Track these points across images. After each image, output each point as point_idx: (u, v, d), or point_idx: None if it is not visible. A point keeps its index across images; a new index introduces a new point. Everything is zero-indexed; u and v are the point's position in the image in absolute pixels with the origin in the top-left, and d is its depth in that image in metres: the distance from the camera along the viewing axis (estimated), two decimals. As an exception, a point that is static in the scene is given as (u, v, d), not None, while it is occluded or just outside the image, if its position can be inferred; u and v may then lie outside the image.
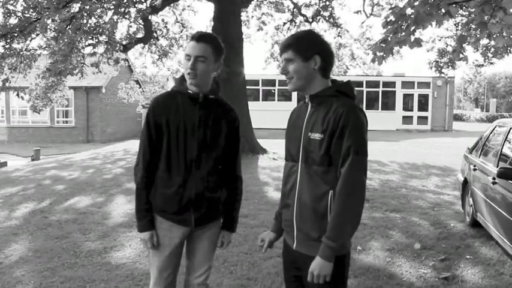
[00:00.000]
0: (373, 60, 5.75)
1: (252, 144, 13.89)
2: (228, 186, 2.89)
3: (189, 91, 2.69)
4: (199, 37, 2.63)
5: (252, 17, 19.34)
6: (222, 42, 2.75)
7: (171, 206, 2.71)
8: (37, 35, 12.55)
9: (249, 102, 14.71)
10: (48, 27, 11.90)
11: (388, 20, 5.45)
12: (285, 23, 19.35)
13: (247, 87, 15.32)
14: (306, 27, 19.05)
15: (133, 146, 18.10)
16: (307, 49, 2.30)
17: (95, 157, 14.61)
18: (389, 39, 5.43)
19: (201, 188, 2.70)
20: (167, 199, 2.71)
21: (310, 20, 18.32)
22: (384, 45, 5.48)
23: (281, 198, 2.58)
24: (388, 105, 31.17)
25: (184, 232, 2.79)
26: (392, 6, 9.52)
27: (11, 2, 11.69)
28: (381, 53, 5.58)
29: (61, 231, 5.95)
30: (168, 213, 2.74)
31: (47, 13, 10.55)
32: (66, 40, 11.02)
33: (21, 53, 13.00)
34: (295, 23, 19.18)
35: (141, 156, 2.76)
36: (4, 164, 16.06)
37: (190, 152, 2.68)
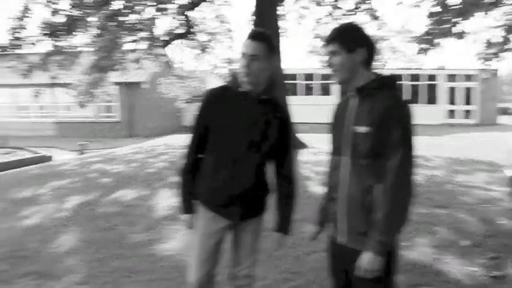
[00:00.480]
0: (418, 53, 5.64)
1: (292, 139, 13.82)
2: (280, 187, 2.89)
3: (241, 89, 2.73)
4: (253, 35, 2.67)
5: (291, 10, 19.22)
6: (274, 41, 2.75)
7: (218, 199, 2.78)
8: (82, 32, 12.85)
9: (287, 97, 14.66)
10: (91, 24, 12.17)
11: (433, 11, 5.33)
12: (324, 17, 19.16)
13: (286, 81, 15.24)
14: (345, 20, 18.83)
15: (174, 140, 18.31)
16: (351, 41, 2.31)
17: (138, 151, 14.87)
18: (433, 31, 5.31)
19: (248, 184, 2.75)
20: (214, 192, 2.78)
21: (350, 13, 18.07)
22: (428, 37, 5.37)
23: (326, 191, 2.57)
24: (431, 99, 30.46)
25: (227, 225, 2.83)
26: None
27: (58, 1, 12.01)
28: (425, 45, 5.47)
29: (108, 223, 6.10)
30: (212, 205, 2.80)
31: (91, 11, 10.79)
32: (109, 37, 11.25)
33: (66, 50, 13.35)
34: (335, 16, 18.97)
35: (190, 144, 2.87)
36: (49, 158, 16.54)
37: (238, 148, 2.72)
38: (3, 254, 4.99)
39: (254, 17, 14.30)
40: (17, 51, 12.78)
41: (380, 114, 2.20)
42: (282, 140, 2.82)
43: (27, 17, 12.65)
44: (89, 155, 16.16)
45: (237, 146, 2.72)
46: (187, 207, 2.87)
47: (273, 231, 2.89)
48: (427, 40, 5.37)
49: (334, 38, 2.34)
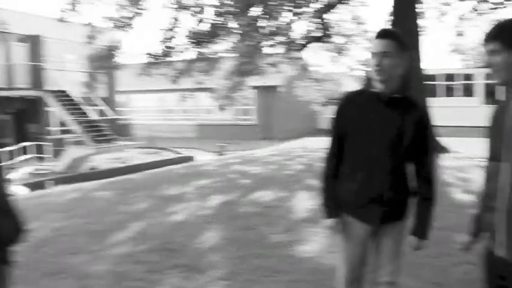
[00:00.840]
0: None
1: (432, 143, 13.20)
2: (419, 188, 2.81)
3: (374, 90, 2.71)
4: (383, 34, 2.67)
5: (430, 8, 18.31)
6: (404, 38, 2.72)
7: (356, 202, 2.78)
8: (223, 39, 13.50)
9: (427, 99, 14.02)
10: (233, 31, 12.73)
11: None
12: (467, 12, 17.97)
13: (425, 82, 14.57)
14: (492, 14, 17.49)
15: (311, 143, 18.45)
16: None
17: (275, 153, 15.19)
18: None
19: (385, 186, 2.71)
20: (351, 194, 2.78)
21: (498, 6, 16.74)
22: None
23: (481, 200, 2.37)
24: None
25: (368, 229, 2.79)
26: None
27: (202, 11, 12.76)
28: None
29: (248, 223, 6.30)
30: (351, 209, 2.79)
31: (234, 18, 11.28)
32: (250, 43, 11.67)
33: (209, 56, 14.14)
34: (480, 10, 17.70)
35: (328, 148, 2.91)
36: (190, 158, 17.60)
37: (373, 150, 2.70)
38: (155, 246, 5.38)
39: (392, 17, 13.90)
40: (167, 59, 13.80)
41: None
42: (419, 140, 2.74)
43: (177, 27, 13.62)
44: (227, 156, 16.87)
45: (373, 148, 2.70)
46: (330, 212, 2.87)
47: (409, 234, 2.82)
48: None
49: (495, 36, 2.17)
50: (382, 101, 2.70)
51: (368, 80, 2.80)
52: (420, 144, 2.75)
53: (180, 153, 18.02)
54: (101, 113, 21.87)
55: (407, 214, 2.84)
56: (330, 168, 2.88)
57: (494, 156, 2.25)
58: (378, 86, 2.69)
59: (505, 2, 16.29)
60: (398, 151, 2.70)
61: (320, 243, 5.36)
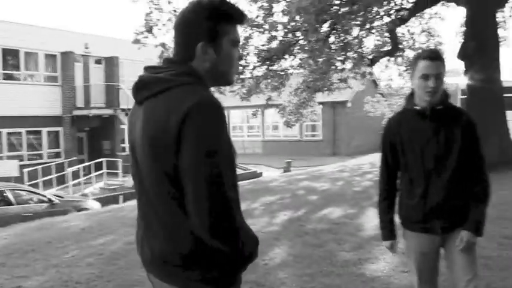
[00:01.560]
0: None
1: (510, 158, 12.57)
2: (474, 190, 2.84)
3: (416, 107, 2.84)
4: (435, 56, 2.76)
5: (510, 16, 17.57)
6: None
7: (415, 215, 2.88)
8: (293, 56, 13.59)
9: (507, 112, 13.39)
10: (303, 48, 12.79)
11: None
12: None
13: (504, 95, 13.94)
14: None
15: (379, 159, 18.00)
16: None
17: (343, 169, 15.02)
18: None
19: (442, 196, 2.78)
20: (411, 209, 2.89)
21: None
22: None
23: None
24: None
25: (433, 240, 2.88)
26: None
27: (274, 28, 12.91)
28: None
29: (317, 240, 6.24)
30: (413, 223, 2.91)
31: (304, 35, 11.35)
32: (324, 58, 11.69)
33: (277, 73, 14.27)
34: None
35: (380, 171, 3.08)
36: (260, 174, 17.72)
37: (427, 164, 2.80)
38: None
39: (465, 28, 13.45)
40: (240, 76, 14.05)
41: None
42: (469, 145, 2.80)
43: (250, 45, 13.88)
44: (294, 172, 16.85)
45: (424, 162, 2.80)
46: (387, 234, 3.05)
47: (462, 230, 2.82)
48: None
49: None
50: (427, 115, 2.80)
51: (409, 99, 2.93)
52: (470, 149, 2.81)
53: (248, 169, 18.15)
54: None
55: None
56: (382, 190, 3.05)
57: None
58: (420, 104, 2.82)
59: None
60: (450, 160, 2.77)
61: (390, 262, 5.22)
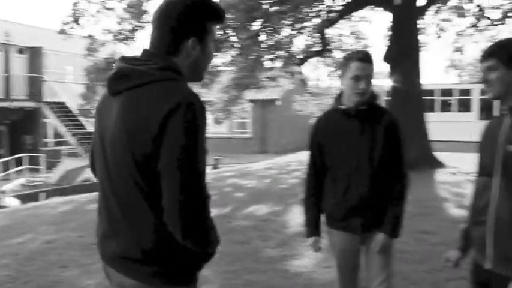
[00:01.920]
0: None
1: (429, 158, 13.24)
2: (393, 190, 2.88)
3: (341, 107, 2.89)
4: (367, 58, 2.80)
5: (431, 24, 18.45)
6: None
7: (337, 213, 2.91)
8: (223, 53, 13.55)
9: (425, 114, 14.08)
10: (235, 45, 12.78)
11: None
12: (466, 28, 18.12)
13: (424, 97, 14.67)
14: (490, 31, 17.63)
15: (307, 157, 18.32)
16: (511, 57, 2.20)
17: (271, 167, 15.17)
18: None
19: (363, 195, 2.81)
20: (333, 207, 2.92)
21: (498, 22, 16.87)
22: None
23: (471, 214, 2.42)
24: None
25: (353, 239, 2.91)
26: None
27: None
28: None
29: (243, 237, 6.24)
30: (335, 221, 2.93)
31: (235, 32, 11.33)
32: (252, 56, 11.72)
33: (208, 69, 14.18)
34: (479, 27, 17.85)
35: (307, 168, 3.10)
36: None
37: (350, 162, 2.83)
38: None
39: (391, 32, 13.99)
40: None
41: None
42: (391, 145, 2.85)
43: None
44: (222, 169, 16.82)
45: (348, 160, 2.84)
46: (310, 231, 3.06)
47: (379, 232, 2.86)
48: None
49: (492, 53, 2.25)
50: (352, 115, 2.85)
51: (337, 99, 2.96)
52: (392, 149, 2.86)
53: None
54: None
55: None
56: (309, 188, 3.07)
57: (485, 172, 2.30)
58: (348, 104, 2.86)
59: (504, 19, 16.42)
60: (373, 160, 2.82)
61: (313, 258, 5.30)
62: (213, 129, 28.80)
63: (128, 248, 1.71)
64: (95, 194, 10.60)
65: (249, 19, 11.24)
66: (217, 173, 14.38)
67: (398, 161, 2.90)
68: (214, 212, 5.92)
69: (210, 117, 17.35)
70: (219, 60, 14.61)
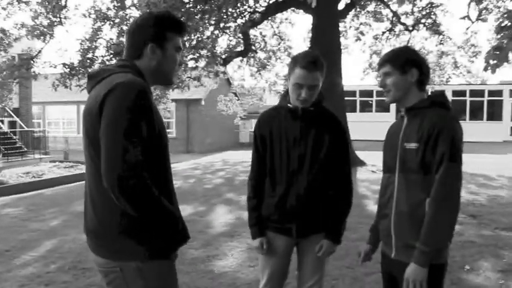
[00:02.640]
0: (485, 69, 5.43)
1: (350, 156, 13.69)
2: (338, 197, 2.84)
3: (289, 105, 2.78)
4: (313, 66, 2.64)
5: (350, 27, 19.16)
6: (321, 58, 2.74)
7: (274, 215, 2.80)
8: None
9: (346, 114, 14.56)
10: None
11: (502, 25, 5.13)
12: (383, 33, 18.99)
13: (345, 98, 15.18)
14: (405, 36, 18.58)
15: (232, 156, 18.50)
16: (405, 63, 2.40)
17: (196, 167, 15.11)
18: (504, 45, 5.11)
19: (301, 198, 2.72)
20: (270, 208, 2.81)
21: (410, 28, 17.82)
22: (498, 52, 5.16)
23: (378, 209, 2.62)
24: (494, 115, 29.36)
25: (288, 242, 2.84)
26: (503, 9, 8.97)
27: (125, 22, 12.54)
28: (494, 61, 5.26)
29: (166, 238, 6.18)
30: (272, 222, 2.83)
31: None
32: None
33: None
34: (394, 32, 18.76)
35: (251, 167, 2.98)
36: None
37: (292, 164, 2.73)
38: (67, 266, 5.16)
39: (312, 34, 14.35)
40: (85, 70, 13.40)
41: (427, 130, 2.26)
42: (335, 150, 2.78)
43: (99, 38, 13.30)
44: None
45: (289, 161, 2.74)
46: (255, 232, 2.90)
47: (323, 239, 2.82)
48: (497, 56, 5.13)
49: (387, 60, 2.44)
50: (297, 116, 2.75)
51: (283, 97, 2.87)
52: (336, 154, 2.79)
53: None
54: (13, 124, 20.76)
55: (324, 227, 2.87)
56: (253, 187, 2.93)
57: (388, 168, 2.51)
58: (293, 103, 2.75)
59: (417, 25, 17.34)
60: (315, 163, 2.74)
61: (238, 257, 5.38)
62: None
63: (96, 227, 1.90)
64: (10, 197, 10.14)
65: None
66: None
67: (344, 169, 2.85)
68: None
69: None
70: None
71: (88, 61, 13.29)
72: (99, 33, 13.51)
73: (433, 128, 2.24)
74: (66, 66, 13.46)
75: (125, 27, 12.91)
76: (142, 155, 1.76)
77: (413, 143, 2.30)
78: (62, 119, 31.94)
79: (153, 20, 2.04)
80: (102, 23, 13.75)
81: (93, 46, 13.35)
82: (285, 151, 2.75)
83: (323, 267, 2.90)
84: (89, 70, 13.30)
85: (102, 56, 13.48)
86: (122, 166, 1.71)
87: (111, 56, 13.29)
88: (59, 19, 14.50)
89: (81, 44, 13.45)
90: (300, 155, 2.73)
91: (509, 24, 5.03)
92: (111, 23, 13.60)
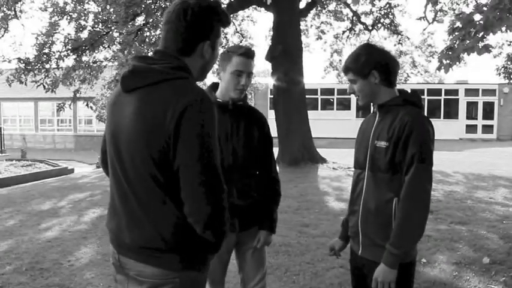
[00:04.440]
0: (438, 68, 5.61)
1: (311, 154, 13.83)
2: (266, 188, 2.89)
3: (218, 100, 2.77)
4: (251, 54, 2.72)
5: (311, 26, 19.35)
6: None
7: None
8: (104, 48, 13.10)
9: (308, 111, 14.69)
10: (116, 40, 12.43)
11: (455, 26, 5.31)
12: (344, 32, 19.26)
13: (306, 96, 15.32)
14: (365, 35, 18.91)
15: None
16: (364, 67, 2.37)
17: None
18: (456, 46, 5.29)
19: (237, 193, 2.73)
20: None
21: (370, 28, 18.14)
22: (450, 52, 5.33)
23: (349, 204, 2.64)
24: (451, 113, 30.18)
25: (228, 239, 2.75)
26: (457, 11, 9.26)
27: (83, 17, 12.30)
28: (447, 61, 5.44)
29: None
30: None
31: (115, 27, 11.02)
32: (133, 52, 11.46)
33: (89, 65, 13.64)
34: (355, 31, 19.06)
35: None
36: (71, 170, 16.79)
37: (226, 159, 2.71)
38: (24, 266, 5.04)
39: (273, 32, 14.41)
40: (45, 66, 13.09)
41: (398, 129, 2.26)
42: (264, 145, 2.86)
43: (56, 32, 13.00)
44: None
45: (224, 157, 2.71)
46: None
47: (259, 230, 2.87)
48: (449, 56, 5.32)
49: (348, 68, 2.44)
50: (226, 111, 2.75)
51: (209, 91, 2.84)
52: (264, 149, 2.87)
53: (57, 166, 16.99)
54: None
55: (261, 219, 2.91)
56: None
57: (358, 165, 2.52)
58: (221, 97, 2.77)
59: (375, 25, 17.67)
60: (247, 157, 2.77)
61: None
62: (97, 126, 27.82)
63: (150, 239, 1.77)
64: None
65: (129, 14, 10.96)
66: (101, 172, 13.91)
67: (269, 161, 2.92)
68: (97, 212, 5.82)
69: (93, 115, 16.81)
70: (101, 55, 14.16)
71: (45, 56, 12.98)
72: (56, 27, 13.19)
73: (404, 127, 2.23)
74: (22, 61, 13.10)
75: (83, 22, 12.67)
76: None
77: (384, 142, 2.31)
78: (19, 116, 31.13)
79: (210, 12, 1.84)
80: (60, 18, 13.44)
81: (50, 41, 13.03)
82: (219, 147, 2.75)
83: (265, 261, 2.94)
84: (46, 65, 13.02)
85: (59, 51, 13.19)
86: (214, 205, 1.68)
87: (68, 51, 13.02)
88: (13, 12, 14.11)
89: (36, 38, 13.13)
90: (233, 151, 2.74)
91: (461, 25, 5.20)
92: (69, 17, 13.31)
